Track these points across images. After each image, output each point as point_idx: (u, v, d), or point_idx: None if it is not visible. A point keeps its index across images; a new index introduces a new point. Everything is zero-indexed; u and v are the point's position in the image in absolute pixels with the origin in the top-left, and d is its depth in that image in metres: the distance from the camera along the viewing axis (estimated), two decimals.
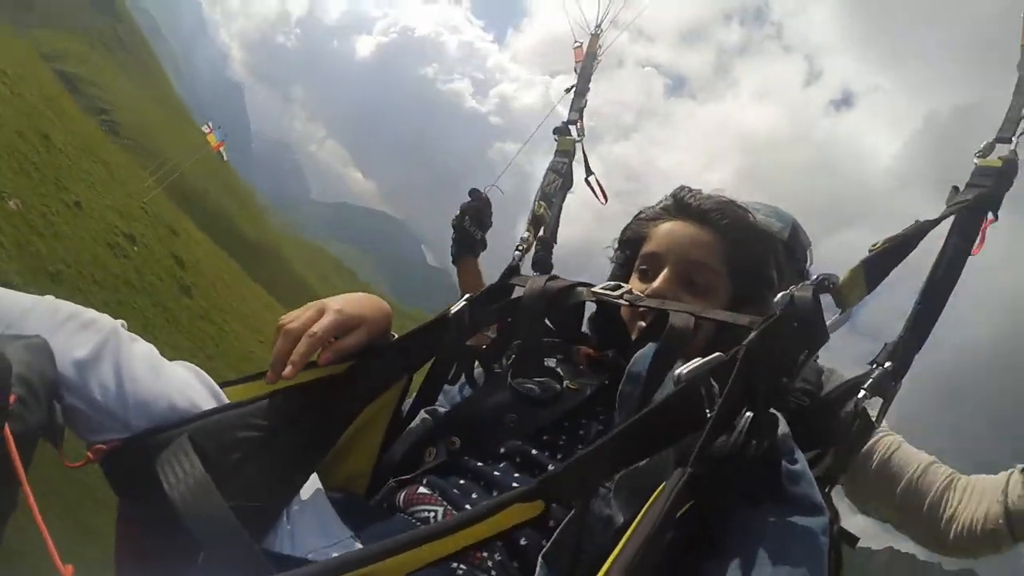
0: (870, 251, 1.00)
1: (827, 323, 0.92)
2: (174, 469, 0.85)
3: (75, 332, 0.92)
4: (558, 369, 1.19)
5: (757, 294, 1.26)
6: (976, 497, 1.24)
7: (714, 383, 0.87)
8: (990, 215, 1.22)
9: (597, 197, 1.92)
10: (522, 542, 0.91)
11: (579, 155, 1.87)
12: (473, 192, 1.92)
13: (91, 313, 0.97)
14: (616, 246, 1.47)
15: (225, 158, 34.06)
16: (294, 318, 1.06)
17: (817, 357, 1.28)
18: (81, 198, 12.06)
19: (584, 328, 1.35)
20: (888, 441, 1.42)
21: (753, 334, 0.87)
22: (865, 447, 1.39)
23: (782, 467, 0.89)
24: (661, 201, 1.38)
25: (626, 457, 0.82)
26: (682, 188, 1.35)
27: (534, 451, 1.04)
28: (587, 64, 2.01)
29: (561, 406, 1.10)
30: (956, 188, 1.22)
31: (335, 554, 0.88)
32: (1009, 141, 1.27)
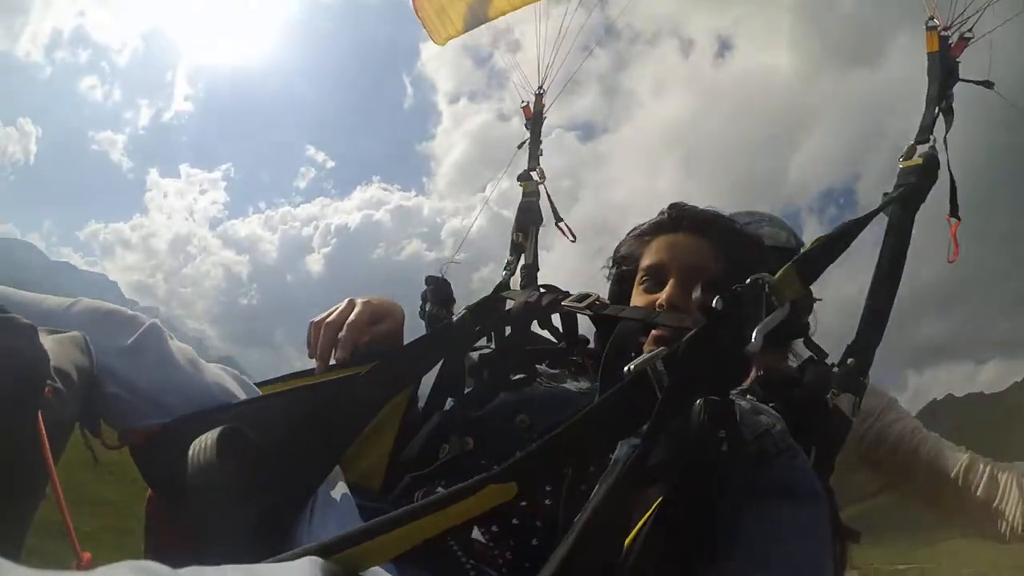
0: (803, 251, 1.09)
1: (768, 318, 0.96)
2: (195, 451, 0.88)
3: (117, 325, 0.98)
4: (559, 373, 1.29)
5: None
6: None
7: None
8: (953, 220, 1.40)
9: (566, 236, 2.13)
10: (534, 542, 0.96)
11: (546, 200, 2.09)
12: (429, 278, 1.99)
13: (129, 311, 1.04)
14: (611, 264, 1.52)
15: None
16: (328, 314, 1.18)
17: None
18: None
19: (592, 342, 1.45)
20: (908, 421, 1.67)
21: (692, 332, 0.93)
22: (887, 417, 1.68)
23: (780, 461, 0.93)
24: (653, 219, 1.45)
25: (588, 443, 0.85)
26: (673, 205, 1.43)
27: None
28: (536, 121, 2.32)
29: (571, 408, 1.13)
30: (886, 194, 1.32)
31: None
32: (927, 141, 1.41)
